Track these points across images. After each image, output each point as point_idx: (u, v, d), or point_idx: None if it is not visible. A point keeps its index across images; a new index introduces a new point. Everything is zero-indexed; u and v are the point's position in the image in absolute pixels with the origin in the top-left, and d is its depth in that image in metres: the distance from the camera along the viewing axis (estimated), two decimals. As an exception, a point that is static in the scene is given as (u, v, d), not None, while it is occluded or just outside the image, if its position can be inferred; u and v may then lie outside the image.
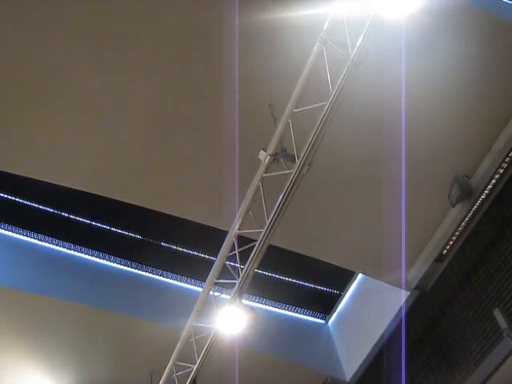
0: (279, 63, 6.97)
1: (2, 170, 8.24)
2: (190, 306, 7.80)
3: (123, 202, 8.65)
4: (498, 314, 7.24)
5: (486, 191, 7.91)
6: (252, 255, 6.89)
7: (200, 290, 8.61)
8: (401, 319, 9.12)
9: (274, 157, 6.42)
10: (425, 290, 9.00)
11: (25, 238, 10.21)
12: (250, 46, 6.88)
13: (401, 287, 9.12)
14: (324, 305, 11.14)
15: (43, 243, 10.27)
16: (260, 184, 6.64)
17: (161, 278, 10.63)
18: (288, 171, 6.39)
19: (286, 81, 6.18)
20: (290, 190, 6.42)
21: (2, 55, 7.02)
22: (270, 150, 6.39)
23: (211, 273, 7.43)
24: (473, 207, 8.05)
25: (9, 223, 10.14)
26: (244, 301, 7.19)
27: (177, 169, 8.25)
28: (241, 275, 7.02)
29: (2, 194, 10.01)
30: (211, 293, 7.52)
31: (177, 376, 8.31)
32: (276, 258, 9.26)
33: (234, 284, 7.09)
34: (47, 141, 7.89)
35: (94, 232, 10.34)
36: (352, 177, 8.21)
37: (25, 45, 6.96)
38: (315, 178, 6.69)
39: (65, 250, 10.33)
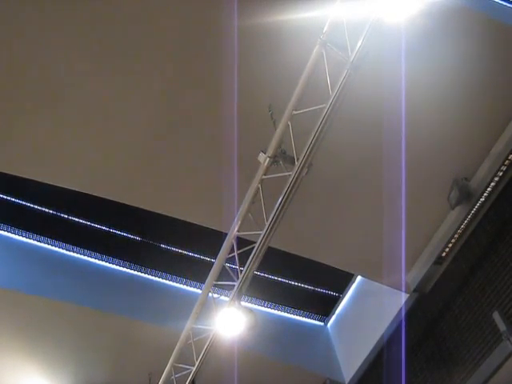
0: (279, 65, 6.98)
1: (1, 170, 8.25)
2: (188, 307, 7.80)
3: (123, 204, 8.64)
4: (496, 317, 7.24)
5: (485, 194, 7.92)
6: (251, 257, 6.88)
7: (199, 291, 8.62)
8: (400, 322, 9.12)
9: (274, 159, 6.42)
10: (424, 293, 8.99)
11: (24, 240, 10.21)
12: (250, 48, 6.89)
13: (400, 289, 9.12)
14: (323, 307, 11.14)
15: (42, 244, 10.28)
16: (259, 186, 6.63)
17: (160, 280, 10.63)
18: (287, 173, 6.38)
19: (286, 83, 6.18)
20: (290, 192, 6.41)
21: (3, 56, 7.03)
22: (270, 152, 6.39)
23: (210, 274, 7.42)
24: (472, 210, 8.06)
25: (8, 224, 10.14)
26: (243, 303, 7.19)
27: (176, 171, 8.25)
28: (240, 277, 7.01)
29: (1, 195, 10.01)
30: (210, 295, 7.52)
31: (175, 378, 8.30)
32: (275, 260, 9.24)
33: (233, 286, 7.08)
34: (47, 142, 7.89)
35: (92, 233, 10.35)
36: (351, 179, 8.21)
37: (26, 46, 6.96)
38: (315, 180, 6.69)
39: (64, 251, 10.34)
